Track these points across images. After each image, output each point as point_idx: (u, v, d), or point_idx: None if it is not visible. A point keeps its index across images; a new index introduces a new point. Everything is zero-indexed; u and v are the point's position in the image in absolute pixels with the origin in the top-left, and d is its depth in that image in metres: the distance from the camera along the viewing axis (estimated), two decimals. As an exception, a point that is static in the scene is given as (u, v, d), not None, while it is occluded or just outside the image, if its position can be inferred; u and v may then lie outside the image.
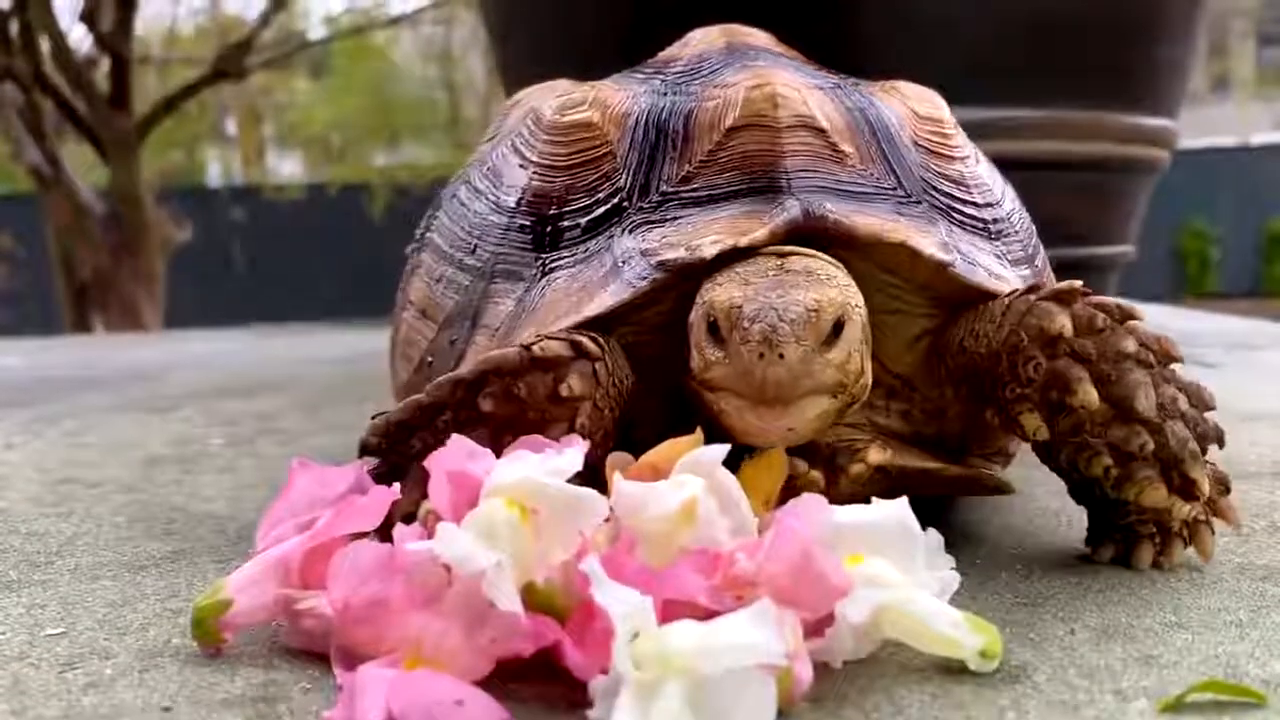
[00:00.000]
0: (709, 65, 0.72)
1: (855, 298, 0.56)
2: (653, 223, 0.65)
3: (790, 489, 0.60)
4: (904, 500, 0.48)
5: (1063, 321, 0.58)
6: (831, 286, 0.55)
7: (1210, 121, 11.14)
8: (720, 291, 0.55)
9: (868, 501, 0.51)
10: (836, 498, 0.62)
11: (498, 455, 0.52)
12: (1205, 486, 0.58)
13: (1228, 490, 0.61)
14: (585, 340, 0.57)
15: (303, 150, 14.22)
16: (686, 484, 0.46)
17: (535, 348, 0.56)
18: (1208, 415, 0.59)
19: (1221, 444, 0.60)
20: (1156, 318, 2.63)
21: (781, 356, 0.51)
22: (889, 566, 0.47)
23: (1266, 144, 11.13)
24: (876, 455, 0.60)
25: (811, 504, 0.47)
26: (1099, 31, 1.51)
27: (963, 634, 0.47)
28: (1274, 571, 0.61)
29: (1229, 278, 10.49)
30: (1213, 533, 0.61)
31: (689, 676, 0.39)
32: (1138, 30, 1.54)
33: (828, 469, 0.60)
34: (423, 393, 0.57)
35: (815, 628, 0.46)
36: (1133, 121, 1.59)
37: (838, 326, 0.54)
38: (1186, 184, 9.07)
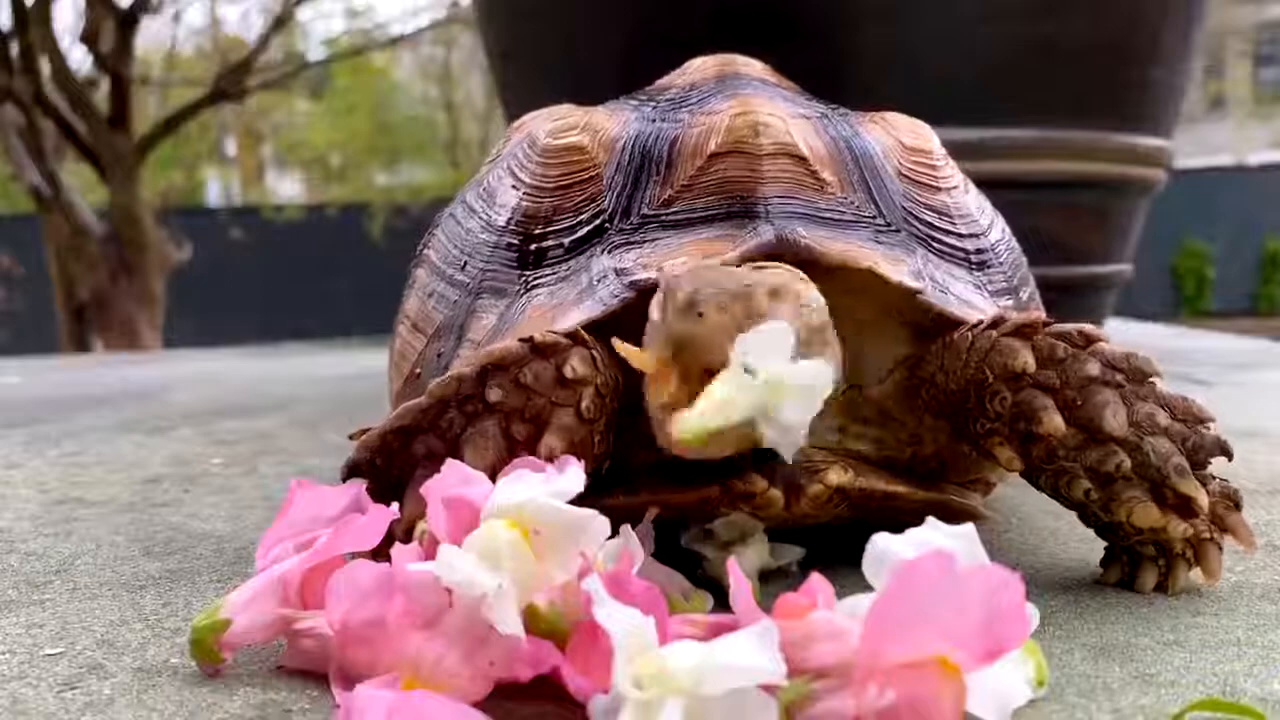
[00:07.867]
0: (699, 93, 0.74)
1: (808, 290, 0.54)
2: (631, 244, 0.66)
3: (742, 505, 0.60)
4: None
5: (1025, 358, 0.58)
6: (778, 276, 0.53)
7: (1207, 141, 11.19)
8: (669, 272, 0.54)
9: (832, 523, 0.49)
10: (794, 518, 0.62)
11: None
12: (1203, 501, 0.57)
13: (1238, 506, 0.60)
14: (580, 330, 0.59)
15: (302, 170, 14.27)
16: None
17: (535, 336, 0.57)
18: (1208, 428, 0.59)
19: (1229, 455, 0.59)
20: (1153, 337, 2.64)
21: (700, 315, 0.49)
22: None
23: (1263, 163, 11.17)
24: (836, 476, 0.60)
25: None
26: (1095, 52, 1.51)
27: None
28: (1271, 590, 0.61)
29: (1226, 297, 10.51)
30: (1220, 550, 0.59)
31: (690, 696, 0.39)
32: (1134, 51, 1.55)
33: (787, 487, 0.60)
34: (422, 395, 0.57)
35: None
36: (1129, 141, 1.59)
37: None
38: (1184, 203, 9.11)
